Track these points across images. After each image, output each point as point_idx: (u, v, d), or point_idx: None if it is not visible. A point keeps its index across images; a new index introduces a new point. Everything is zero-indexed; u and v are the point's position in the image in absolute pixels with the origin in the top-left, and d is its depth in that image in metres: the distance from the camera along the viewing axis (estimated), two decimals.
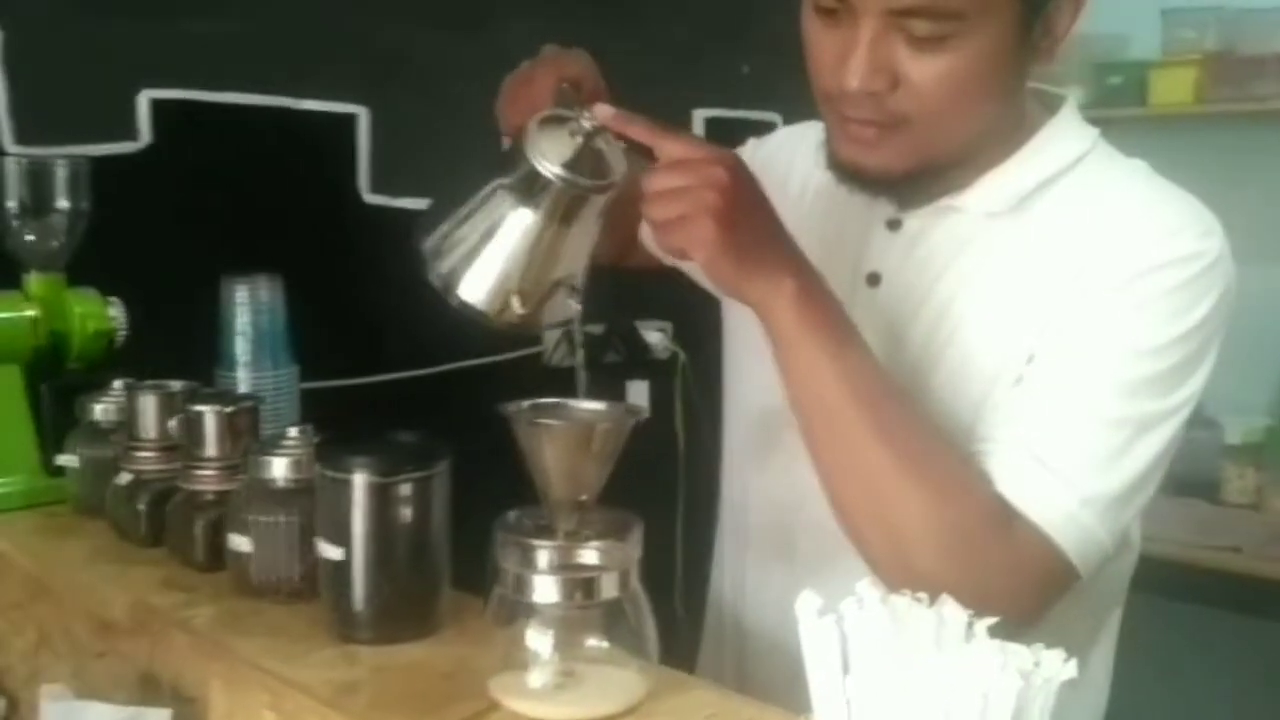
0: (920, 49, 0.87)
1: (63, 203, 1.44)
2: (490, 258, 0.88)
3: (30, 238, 1.42)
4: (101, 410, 1.29)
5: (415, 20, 2.06)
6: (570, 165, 0.86)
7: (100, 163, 1.69)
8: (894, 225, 1.01)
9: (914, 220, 1.00)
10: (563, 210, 0.87)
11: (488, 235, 0.88)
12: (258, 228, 1.83)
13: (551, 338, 2.29)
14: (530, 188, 0.87)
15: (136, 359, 1.39)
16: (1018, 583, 0.88)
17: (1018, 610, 0.84)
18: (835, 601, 0.67)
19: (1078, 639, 1.06)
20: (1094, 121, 1.01)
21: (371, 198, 2.07)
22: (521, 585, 0.77)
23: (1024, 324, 0.94)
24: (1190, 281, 0.91)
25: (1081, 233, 0.93)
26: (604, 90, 0.96)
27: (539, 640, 0.77)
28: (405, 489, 0.91)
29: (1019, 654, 0.64)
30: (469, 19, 2.13)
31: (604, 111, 0.86)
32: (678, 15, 2.44)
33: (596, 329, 2.32)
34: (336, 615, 0.93)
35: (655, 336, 2.42)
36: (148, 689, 1.03)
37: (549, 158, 0.85)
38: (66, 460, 1.32)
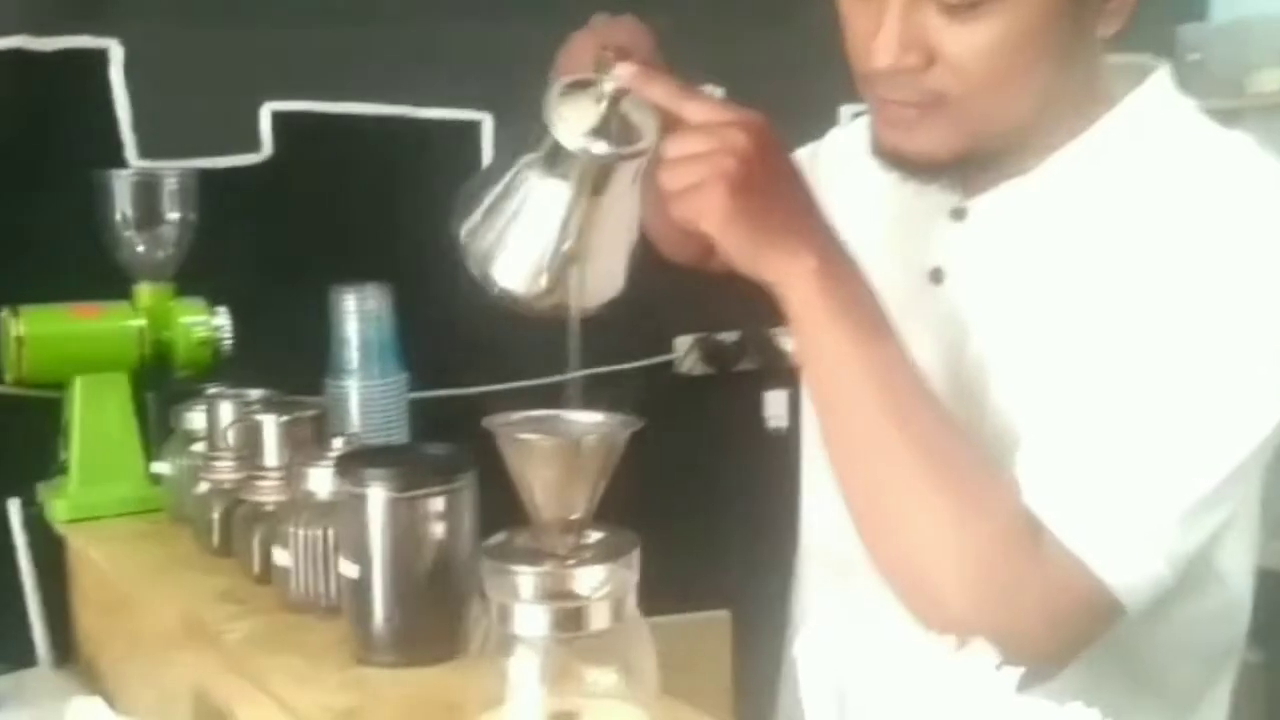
0: (954, 18, 0.79)
1: (172, 214, 1.47)
2: (522, 239, 0.83)
3: (140, 249, 1.45)
4: (192, 419, 1.30)
5: (539, 23, 2.03)
6: (593, 132, 0.79)
7: (223, 175, 1.73)
8: (958, 215, 0.92)
9: (978, 208, 0.91)
10: (591, 181, 0.81)
11: (517, 215, 0.83)
12: (378, 236, 1.84)
13: (683, 344, 2.23)
14: (554, 160, 0.81)
15: (251, 368, 1.40)
16: (1045, 607, 0.77)
17: (1049, 641, 0.76)
18: (887, 636, 0.61)
19: (1183, 694, 0.94)
20: None
21: None
22: (505, 614, 0.71)
23: (1091, 313, 0.83)
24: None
25: (1160, 214, 0.82)
26: (653, 59, 0.87)
27: (525, 675, 0.71)
28: (426, 504, 0.88)
29: (1046, 713, 0.56)
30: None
31: (626, 71, 0.79)
32: (824, 8, 2.34)
33: (730, 336, 2.25)
34: (356, 636, 0.90)
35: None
36: (199, 702, 1.02)
37: (570, 125, 0.79)
38: (161, 468, 1.33)
